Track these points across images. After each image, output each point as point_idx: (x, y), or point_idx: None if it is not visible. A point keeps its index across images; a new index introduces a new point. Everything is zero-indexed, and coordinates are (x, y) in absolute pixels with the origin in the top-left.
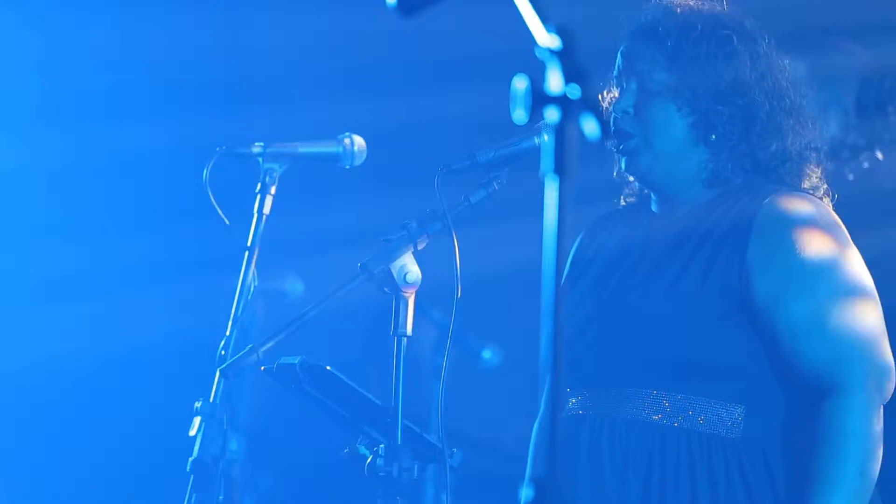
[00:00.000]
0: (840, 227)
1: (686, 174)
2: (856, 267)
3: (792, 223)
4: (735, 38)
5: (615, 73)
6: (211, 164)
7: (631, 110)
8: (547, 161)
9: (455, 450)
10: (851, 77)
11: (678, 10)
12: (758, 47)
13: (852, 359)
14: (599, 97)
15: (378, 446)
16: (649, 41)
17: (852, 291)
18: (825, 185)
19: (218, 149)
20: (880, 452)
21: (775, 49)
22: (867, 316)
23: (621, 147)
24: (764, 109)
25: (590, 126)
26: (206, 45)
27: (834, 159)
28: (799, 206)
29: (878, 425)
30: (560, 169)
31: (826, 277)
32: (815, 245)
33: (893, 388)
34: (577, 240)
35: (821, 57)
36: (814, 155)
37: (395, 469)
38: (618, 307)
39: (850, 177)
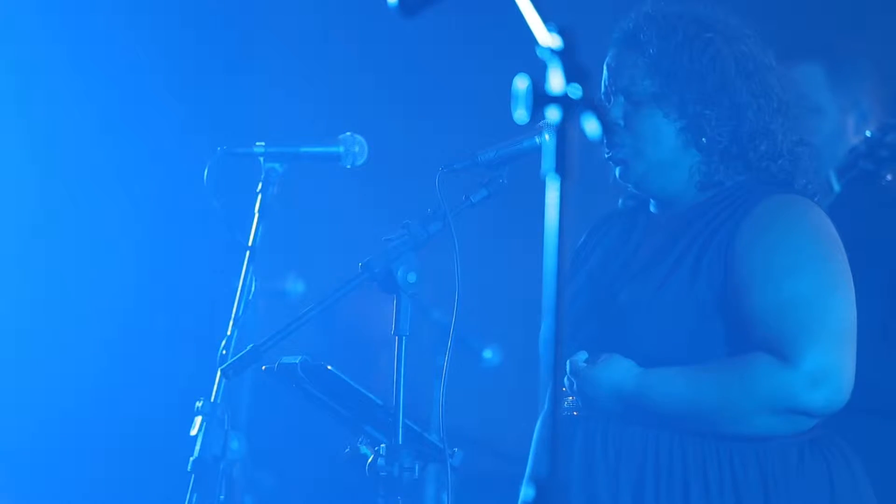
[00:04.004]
0: (826, 229)
1: (679, 180)
2: (833, 271)
3: (778, 224)
4: (718, 40)
5: (602, 88)
6: (212, 164)
7: (621, 122)
8: (548, 161)
9: (456, 449)
10: (868, 79)
11: (659, 16)
12: (742, 46)
13: (798, 343)
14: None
15: (379, 446)
16: (631, 51)
17: (821, 293)
18: (818, 181)
19: (219, 148)
20: (751, 422)
21: (761, 46)
22: (829, 315)
23: (612, 157)
24: (752, 109)
25: (591, 126)
26: (207, 44)
27: (871, 159)
28: (789, 207)
29: (776, 421)
30: (561, 168)
31: (797, 275)
32: (795, 245)
33: (836, 396)
34: (581, 240)
35: (836, 60)
36: (806, 150)
37: (396, 468)
38: (609, 305)
39: (889, 177)
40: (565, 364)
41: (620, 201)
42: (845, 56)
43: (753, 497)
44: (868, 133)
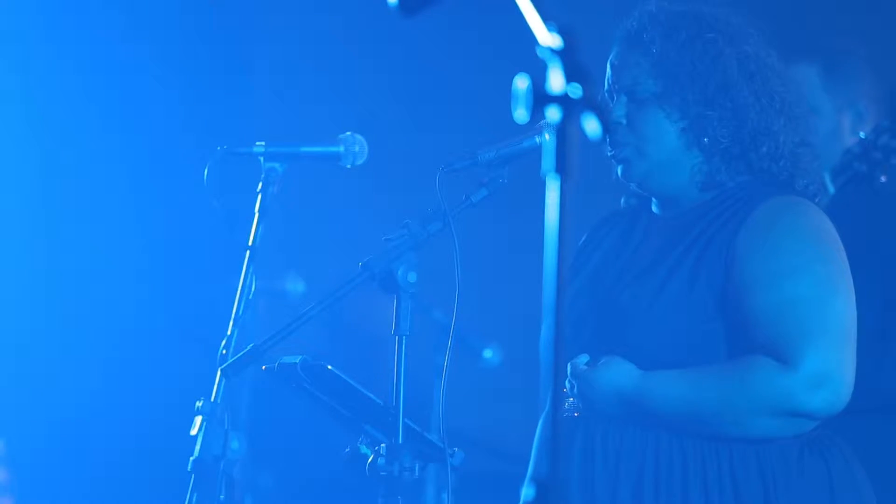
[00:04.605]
0: (827, 231)
1: (681, 179)
2: (833, 273)
3: (779, 226)
4: (721, 41)
5: (605, 86)
6: (212, 164)
7: (623, 121)
8: (548, 160)
9: (456, 449)
10: (864, 80)
11: (663, 15)
12: (746, 47)
13: (798, 346)
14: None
15: (379, 445)
16: (634, 50)
17: (821, 295)
18: (818, 181)
19: (219, 148)
20: (750, 424)
21: (765, 46)
22: (829, 317)
23: (615, 155)
24: (754, 110)
25: (591, 125)
26: (207, 45)
27: (865, 161)
28: (790, 209)
29: (776, 422)
30: (561, 168)
31: (797, 277)
32: (795, 247)
33: (836, 399)
34: (582, 240)
35: (832, 60)
36: (807, 151)
37: (397, 468)
38: (610, 306)
39: (882, 179)
40: (566, 365)
41: (623, 200)
42: (841, 56)
43: (753, 498)
44: (862, 135)
